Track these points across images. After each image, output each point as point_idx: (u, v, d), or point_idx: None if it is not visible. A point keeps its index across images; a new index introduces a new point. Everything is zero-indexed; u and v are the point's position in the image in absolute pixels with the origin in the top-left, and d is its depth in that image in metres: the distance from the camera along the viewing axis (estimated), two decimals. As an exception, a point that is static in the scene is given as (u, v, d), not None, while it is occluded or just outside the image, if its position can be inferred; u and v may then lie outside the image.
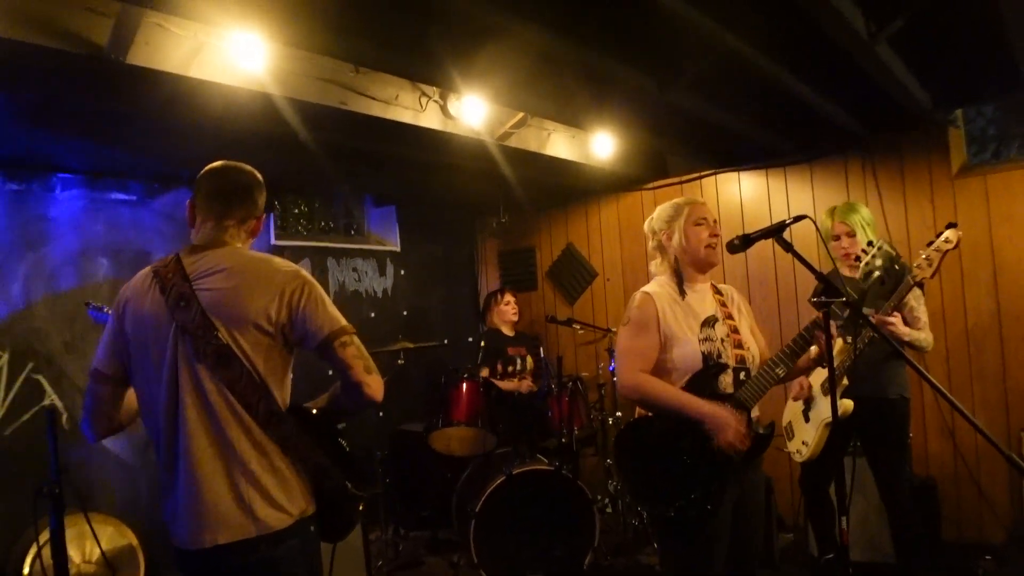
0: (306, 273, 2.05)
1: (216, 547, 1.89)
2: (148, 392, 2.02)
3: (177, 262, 2.04)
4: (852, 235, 3.79)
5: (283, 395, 2.02)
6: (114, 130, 3.75)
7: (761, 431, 2.56)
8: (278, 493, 1.94)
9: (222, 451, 1.91)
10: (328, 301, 2.03)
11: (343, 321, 2.02)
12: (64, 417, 4.15)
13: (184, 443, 1.92)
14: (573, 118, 4.27)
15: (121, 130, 3.75)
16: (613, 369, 5.29)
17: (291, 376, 2.08)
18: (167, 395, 1.95)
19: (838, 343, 3.11)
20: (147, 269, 2.09)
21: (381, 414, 5.22)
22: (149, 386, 2.01)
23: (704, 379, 2.57)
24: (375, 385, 1.98)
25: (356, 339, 2.01)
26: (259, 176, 2.19)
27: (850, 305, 2.40)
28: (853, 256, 3.79)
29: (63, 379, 4.17)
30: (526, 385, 5.31)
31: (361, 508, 2.13)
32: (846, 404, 3.60)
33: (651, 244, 2.81)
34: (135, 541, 4.07)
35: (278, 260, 2.08)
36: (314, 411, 2.12)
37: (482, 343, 5.47)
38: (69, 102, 3.27)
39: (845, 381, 3.63)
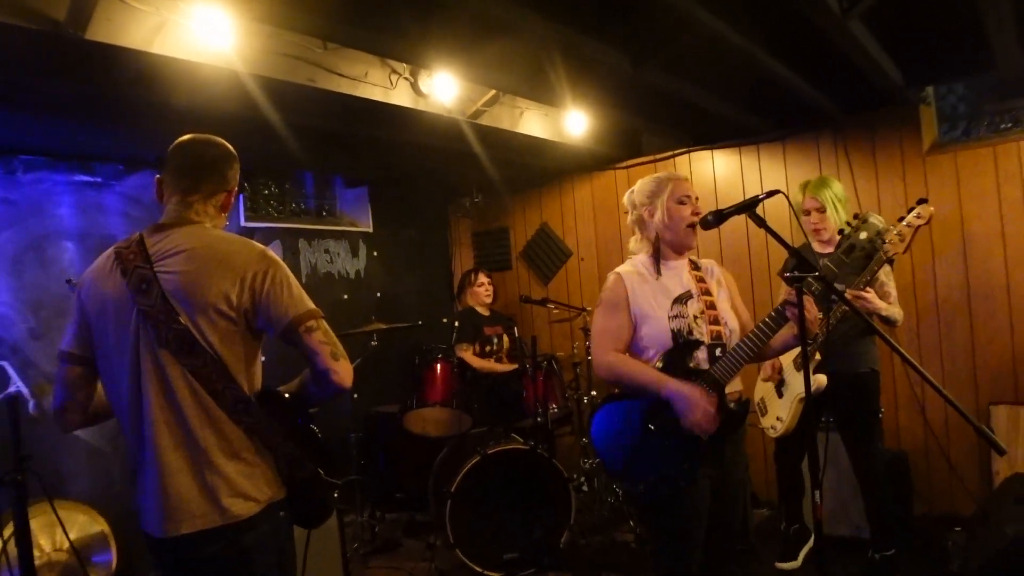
0: (272, 254, 1.98)
1: (183, 536, 1.86)
2: (112, 378, 1.97)
3: (140, 243, 1.97)
4: (822, 210, 3.79)
5: (251, 381, 1.96)
6: (77, 110, 3.65)
7: (733, 407, 2.55)
8: (243, 481, 1.89)
9: (185, 439, 1.87)
10: (295, 284, 1.97)
11: (310, 304, 1.95)
12: (31, 404, 4.06)
13: (148, 431, 1.87)
14: (546, 96, 4.23)
15: (84, 110, 3.65)
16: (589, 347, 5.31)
17: (261, 361, 2.02)
18: (130, 381, 1.90)
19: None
20: (110, 250, 2.02)
21: (356, 396, 5.18)
22: (112, 372, 1.95)
23: (678, 356, 2.55)
24: (343, 372, 1.92)
25: (323, 323, 1.95)
26: (230, 148, 2.12)
27: (823, 279, 2.40)
28: (823, 231, 3.81)
29: (29, 367, 4.08)
30: (501, 367, 5.30)
31: (336, 494, 2.10)
32: (819, 379, 3.63)
33: (630, 218, 2.78)
34: (107, 528, 4.03)
35: (243, 241, 2.01)
36: (286, 395, 2.07)
37: (456, 323, 5.45)
38: (28, 81, 3.17)
39: (818, 356, 3.66)
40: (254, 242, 2.02)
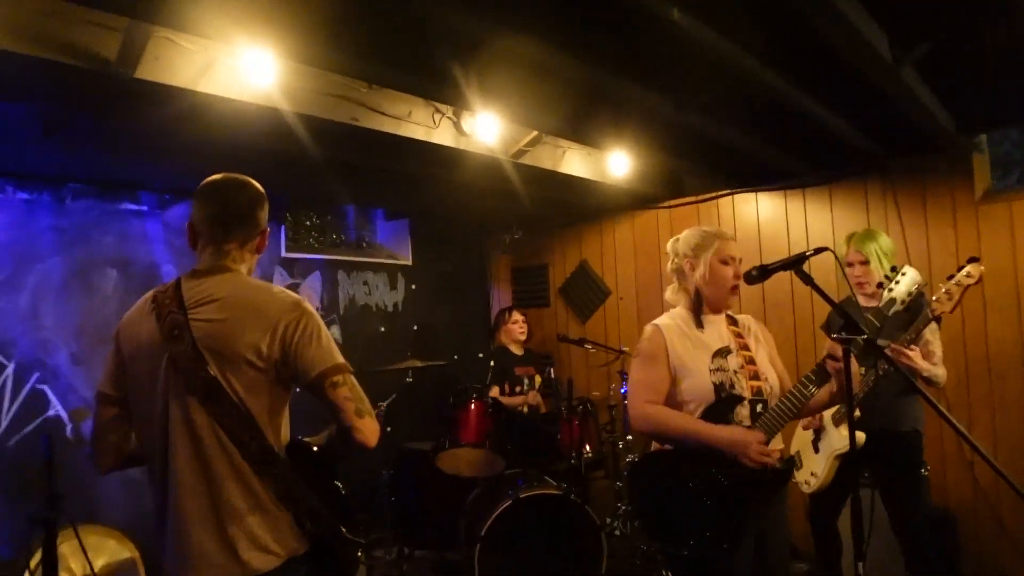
0: (306, 304, 1.97)
1: None
2: (143, 422, 1.97)
3: (177, 288, 1.98)
4: (866, 263, 3.70)
5: (277, 432, 1.94)
6: (124, 142, 3.73)
7: (778, 465, 2.48)
8: (264, 534, 1.87)
9: (208, 488, 1.85)
10: (325, 335, 1.95)
11: (339, 358, 1.93)
12: (68, 428, 4.12)
13: (172, 477, 1.86)
14: (588, 137, 4.22)
15: (131, 142, 3.73)
16: (625, 391, 5.22)
17: (287, 412, 2.00)
18: (159, 427, 1.89)
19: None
20: (149, 294, 2.03)
21: (389, 429, 5.16)
22: (143, 415, 1.95)
23: (719, 411, 2.50)
24: (367, 430, 1.89)
25: (351, 378, 1.92)
26: (259, 189, 2.10)
27: (867, 342, 2.32)
28: (866, 285, 3.72)
29: (69, 391, 4.15)
30: (532, 397, 5.24)
31: (360, 553, 2.06)
32: (858, 436, 3.51)
33: (670, 266, 2.75)
34: (136, 555, 4.04)
35: (277, 290, 2.00)
36: (315, 448, 2.04)
37: (491, 363, 5.41)
38: (79, 115, 3.24)
39: (857, 413, 3.54)
40: (288, 291, 2.01)
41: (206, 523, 1.84)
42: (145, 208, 4.57)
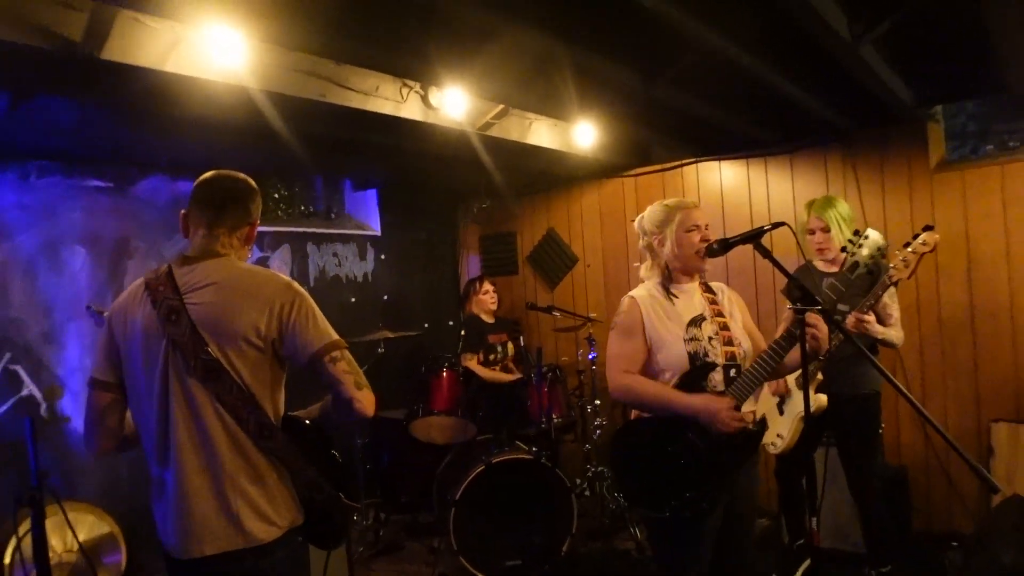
0: (298, 286, 2.05)
1: (204, 557, 1.92)
2: (140, 404, 2.03)
3: (169, 274, 2.03)
4: (827, 231, 3.83)
5: (275, 408, 2.03)
6: (90, 119, 3.69)
7: (750, 427, 2.60)
8: (265, 505, 1.96)
9: (211, 464, 1.93)
10: (319, 315, 2.03)
11: (334, 335, 2.02)
12: (43, 407, 4.13)
13: (174, 455, 1.94)
14: (555, 110, 4.26)
15: (97, 119, 3.69)
16: (593, 357, 5.34)
17: (283, 388, 2.08)
18: (158, 407, 1.96)
19: None
20: (140, 280, 2.09)
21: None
22: (141, 398, 2.02)
23: (693, 378, 2.60)
24: (366, 400, 2.00)
25: (347, 353, 2.02)
26: (252, 183, 2.18)
27: (823, 312, 2.43)
28: (827, 251, 3.84)
29: (41, 370, 4.15)
30: (507, 376, 5.35)
31: (355, 516, 2.16)
32: (820, 400, 3.67)
33: (641, 243, 2.83)
34: (116, 529, 4.09)
35: (269, 273, 2.08)
36: (307, 422, 2.13)
37: (462, 331, 5.49)
38: (43, 94, 3.21)
39: (820, 376, 3.69)
40: (280, 274, 2.09)
41: (210, 496, 1.92)
42: (111, 184, 4.53)
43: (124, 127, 3.85)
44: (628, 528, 4.86)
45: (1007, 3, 2.92)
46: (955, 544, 4.23)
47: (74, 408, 4.24)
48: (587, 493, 5.25)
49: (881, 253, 2.74)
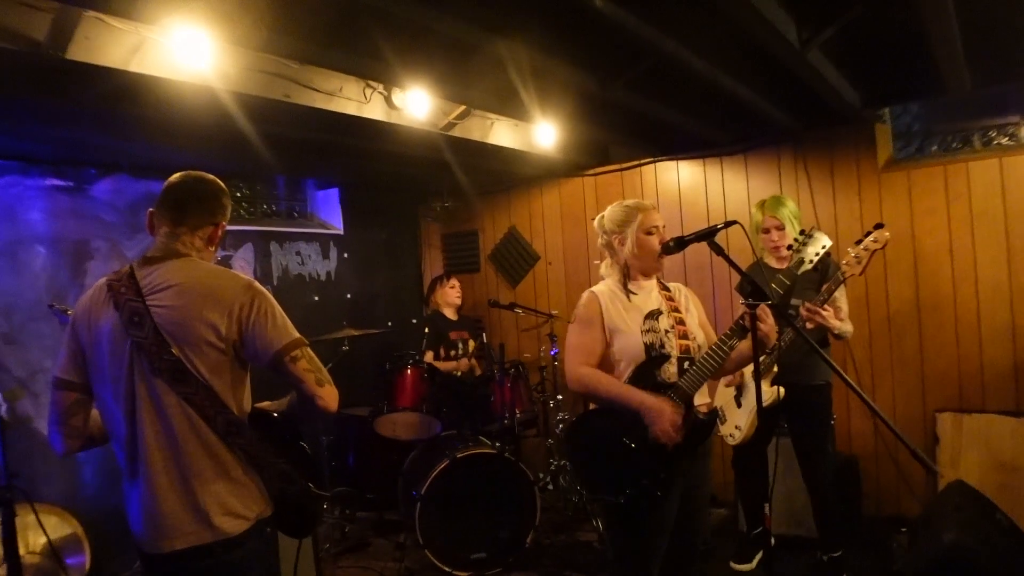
0: (257, 285, 2.08)
1: (173, 552, 1.96)
2: (107, 405, 2.05)
3: (131, 276, 2.05)
4: (781, 228, 3.97)
5: (240, 404, 2.06)
6: (52, 119, 3.68)
7: (702, 417, 2.70)
8: (233, 500, 2.00)
9: (178, 462, 1.96)
10: (279, 313, 2.06)
11: (294, 333, 2.05)
12: (3, 408, 4.09)
13: (142, 454, 1.97)
14: (516, 111, 4.33)
15: (59, 119, 3.68)
16: (555, 353, 5.44)
17: (248, 385, 2.12)
18: (125, 408, 1.99)
19: None
20: (102, 281, 2.11)
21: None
22: (108, 399, 2.04)
23: (648, 368, 2.69)
24: (328, 397, 2.04)
25: (308, 351, 2.05)
26: (220, 184, 2.20)
27: (774, 307, 2.56)
28: (782, 248, 3.98)
29: (2, 372, 4.11)
30: (463, 364, 5.41)
31: (325, 506, 2.22)
32: (776, 391, 3.80)
33: (600, 241, 2.92)
34: (80, 530, 4.07)
35: (230, 274, 2.10)
36: (275, 415, 2.18)
37: (425, 328, 5.55)
38: (4, 95, 3.20)
39: (775, 368, 3.83)
40: (240, 274, 2.12)
41: (178, 493, 1.96)
42: (72, 184, 4.50)
43: (86, 127, 3.83)
44: (590, 520, 4.96)
45: (943, 11, 3.06)
46: (903, 530, 4.41)
47: (36, 410, 4.21)
48: (550, 487, 5.34)
49: (827, 252, 2.87)
